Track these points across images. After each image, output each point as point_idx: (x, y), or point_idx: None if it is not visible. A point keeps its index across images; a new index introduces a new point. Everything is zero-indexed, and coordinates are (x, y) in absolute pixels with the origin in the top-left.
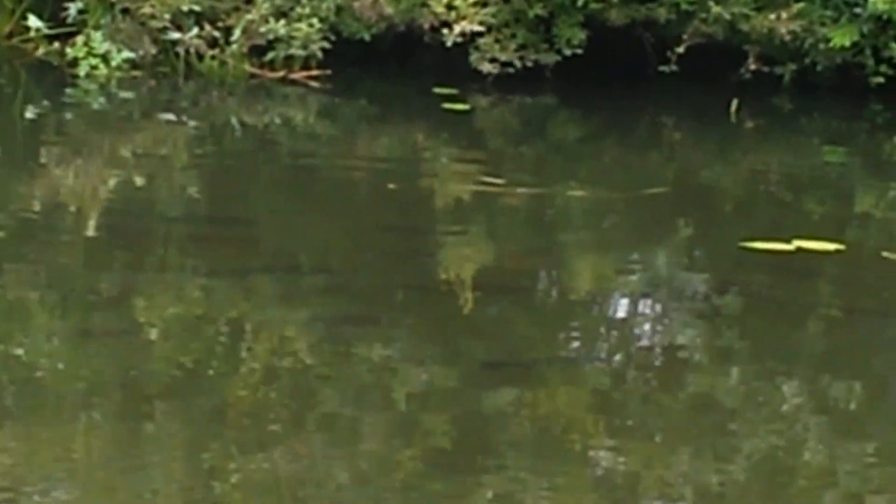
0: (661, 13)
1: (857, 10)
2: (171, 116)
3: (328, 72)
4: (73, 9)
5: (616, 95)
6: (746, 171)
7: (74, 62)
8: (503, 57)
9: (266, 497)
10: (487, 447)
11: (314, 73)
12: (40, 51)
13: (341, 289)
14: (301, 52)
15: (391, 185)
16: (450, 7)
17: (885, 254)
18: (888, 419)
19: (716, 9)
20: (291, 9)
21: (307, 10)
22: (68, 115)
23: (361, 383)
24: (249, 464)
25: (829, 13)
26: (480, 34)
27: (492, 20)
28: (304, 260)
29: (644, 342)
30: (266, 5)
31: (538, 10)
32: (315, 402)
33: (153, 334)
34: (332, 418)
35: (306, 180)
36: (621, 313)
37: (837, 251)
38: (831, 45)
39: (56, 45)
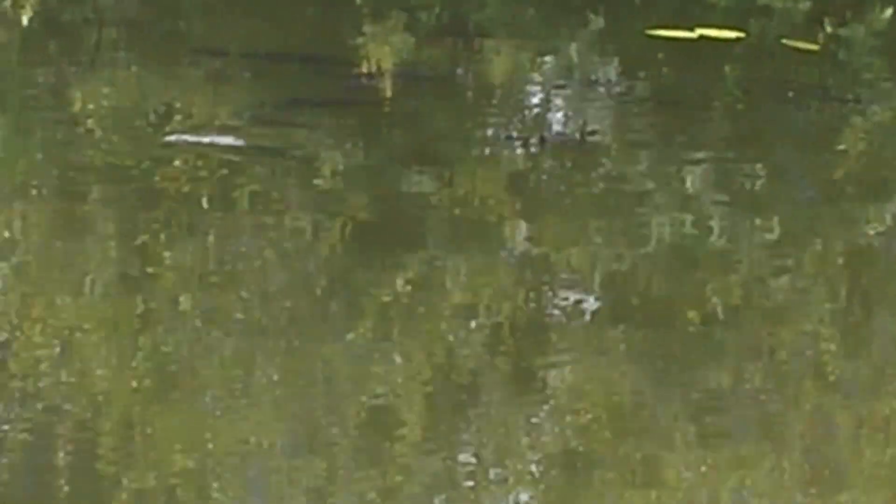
0: None
1: None
2: None
3: None
4: None
5: None
6: None
7: None
8: None
9: (194, 274)
10: (408, 227)
11: None
12: None
13: (267, 75)
14: None
15: None
16: None
17: (785, 41)
18: (788, 200)
19: None
20: None
21: None
22: None
23: (285, 165)
24: (179, 243)
25: None
26: None
27: None
28: (233, 48)
29: (557, 128)
30: None
31: None
32: (244, 182)
33: (89, 124)
34: (258, 196)
35: None
36: (536, 101)
37: (738, 39)
38: None
39: None
